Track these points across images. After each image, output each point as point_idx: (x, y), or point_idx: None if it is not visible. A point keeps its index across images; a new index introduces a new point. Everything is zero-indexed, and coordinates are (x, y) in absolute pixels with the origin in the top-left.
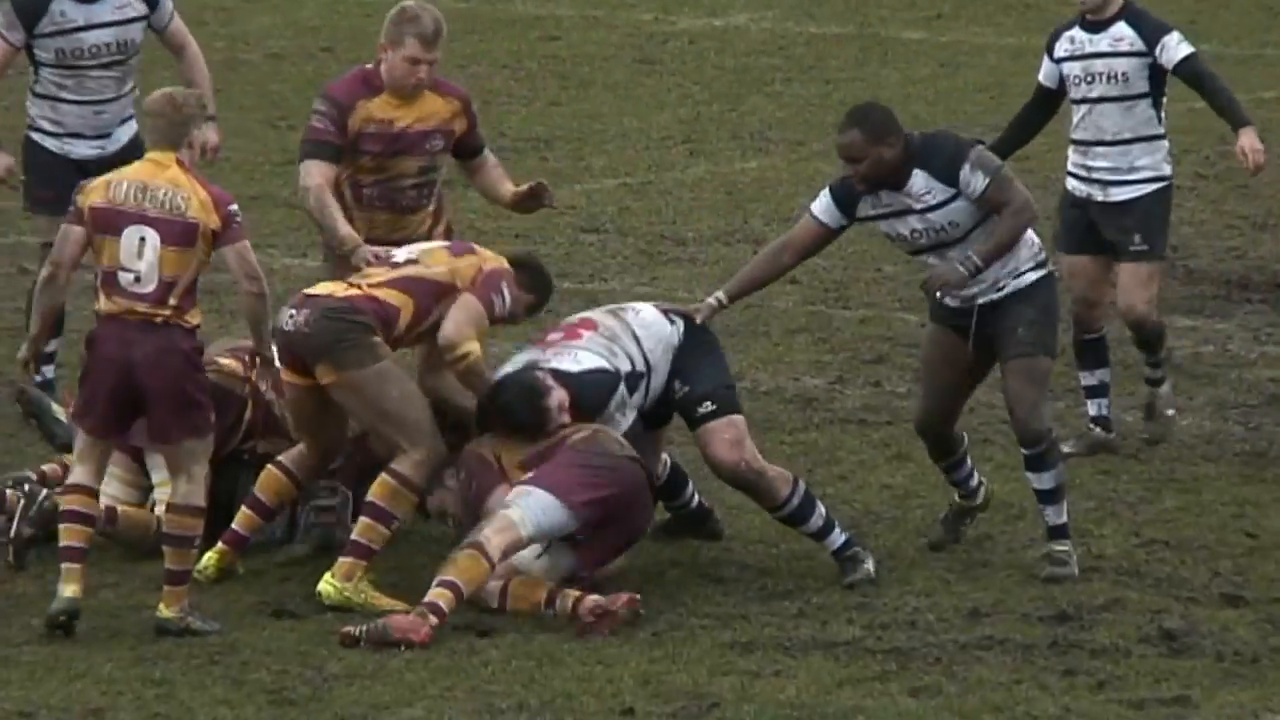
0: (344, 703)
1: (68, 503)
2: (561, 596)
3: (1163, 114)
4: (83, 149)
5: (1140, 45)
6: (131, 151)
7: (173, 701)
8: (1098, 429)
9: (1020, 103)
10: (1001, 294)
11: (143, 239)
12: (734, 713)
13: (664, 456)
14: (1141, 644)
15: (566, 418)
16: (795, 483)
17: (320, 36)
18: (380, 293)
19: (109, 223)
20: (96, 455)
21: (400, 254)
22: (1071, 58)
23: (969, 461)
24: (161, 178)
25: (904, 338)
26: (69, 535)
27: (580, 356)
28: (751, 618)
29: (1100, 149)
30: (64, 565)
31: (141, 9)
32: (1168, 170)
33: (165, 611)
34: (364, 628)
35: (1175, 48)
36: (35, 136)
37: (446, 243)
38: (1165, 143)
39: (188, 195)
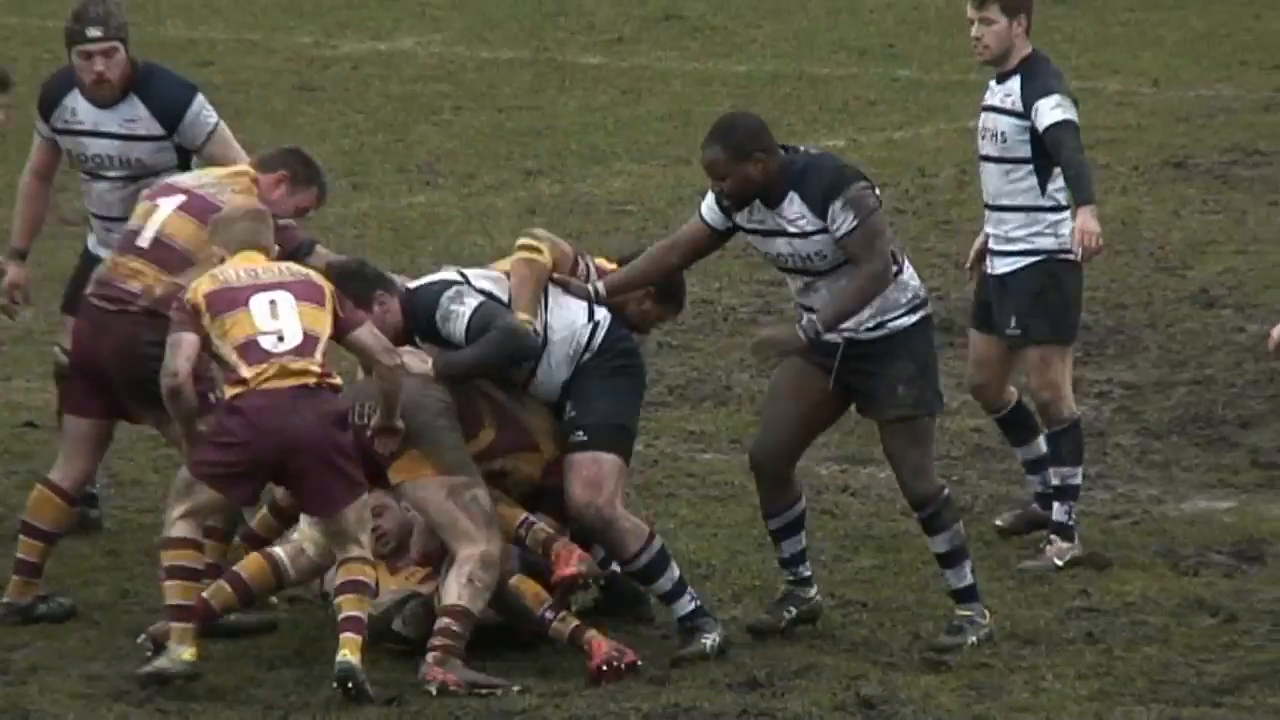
0: None
1: (176, 559)
2: (563, 615)
3: (1050, 185)
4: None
5: (1020, 105)
6: None
7: None
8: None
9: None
10: (874, 335)
11: (273, 301)
12: None
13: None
14: (837, 712)
15: None
16: (649, 540)
17: None
18: None
19: (232, 300)
20: (208, 515)
21: None
22: (982, 108)
23: (803, 539)
24: (263, 263)
25: None
26: (182, 593)
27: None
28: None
29: (987, 212)
30: (176, 625)
31: (155, 129)
32: (1049, 245)
33: (349, 655)
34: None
35: (1048, 112)
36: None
37: None
38: (1051, 216)
39: (301, 270)
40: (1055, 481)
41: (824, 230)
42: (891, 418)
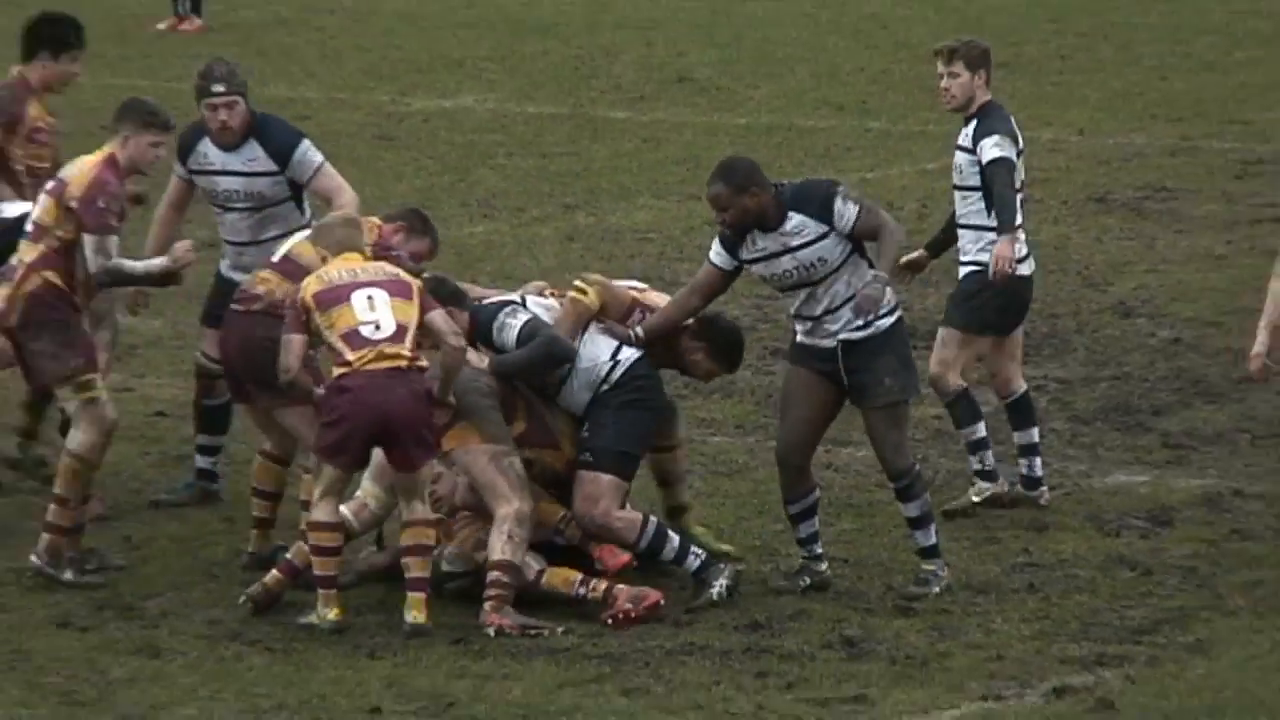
0: (126, 704)
1: (320, 540)
2: (594, 583)
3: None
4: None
5: (971, 144)
6: None
7: None
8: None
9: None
10: (864, 335)
11: (370, 297)
12: (468, 711)
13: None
14: (825, 649)
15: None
16: (644, 525)
17: (98, 116)
18: None
19: (336, 296)
20: (340, 490)
21: None
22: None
23: (816, 522)
24: (360, 264)
25: None
26: (322, 566)
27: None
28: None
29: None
30: (324, 592)
31: (270, 166)
32: (985, 259)
33: (418, 617)
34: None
35: (988, 150)
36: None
37: None
38: (994, 235)
39: (393, 269)
40: (965, 440)
41: (824, 235)
42: (880, 405)
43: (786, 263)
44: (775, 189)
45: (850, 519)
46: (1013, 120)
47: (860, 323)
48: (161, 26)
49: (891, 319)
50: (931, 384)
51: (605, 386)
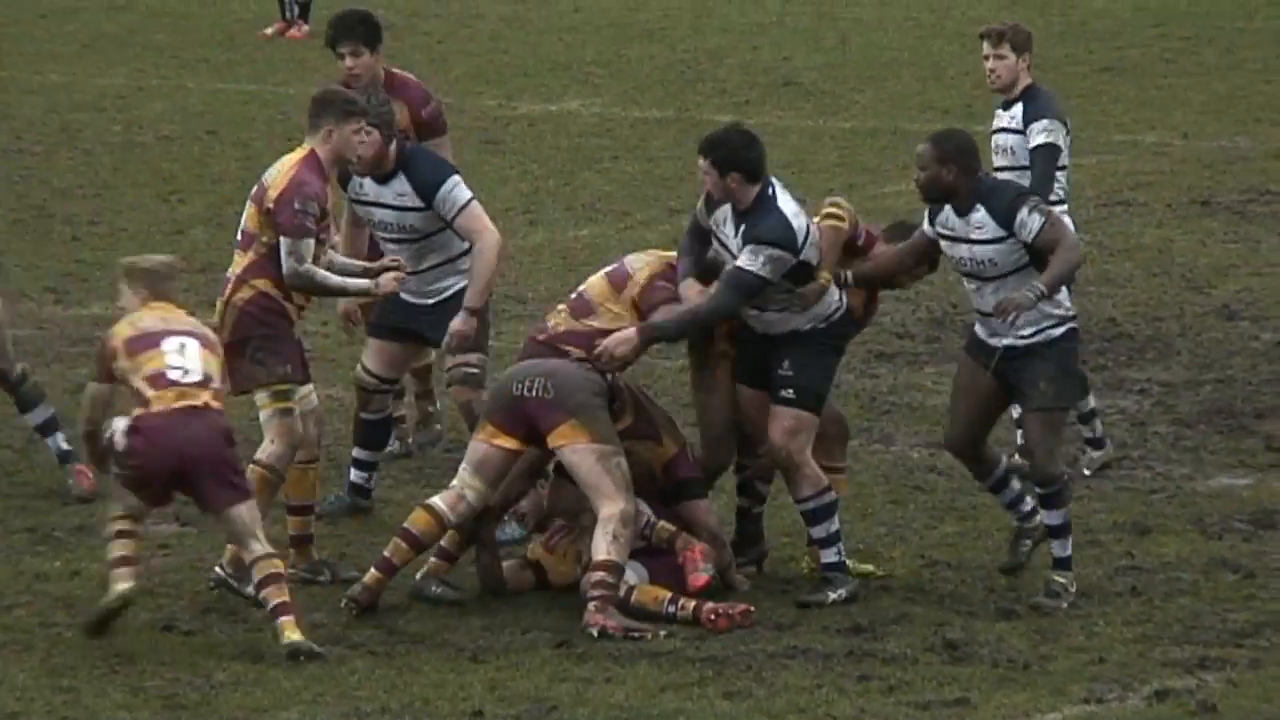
0: (229, 707)
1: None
2: (683, 602)
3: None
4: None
5: (1021, 125)
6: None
7: (79, 706)
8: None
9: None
10: (1027, 342)
11: (183, 345)
12: (571, 715)
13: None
14: (927, 653)
15: None
16: (823, 492)
17: (205, 121)
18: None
19: (147, 342)
20: (140, 517)
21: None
22: (992, 132)
23: (1013, 485)
24: (174, 314)
25: None
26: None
27: None
28: (586, 628)
29: None
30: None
31: (418, 202)
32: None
33: (292, 636)
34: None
35: (1037, 134)
36: None
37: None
38: (1056, 208)
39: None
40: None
41: (1001, 240)
42: (1035, 406)
43: (962, 251)
44: (977, 179)
45: (953, 522)
46: (1057, 102)
47: (1009, 324)
48: (268, 31)
49: (1060, 330)
50: None
51: (822, 324)
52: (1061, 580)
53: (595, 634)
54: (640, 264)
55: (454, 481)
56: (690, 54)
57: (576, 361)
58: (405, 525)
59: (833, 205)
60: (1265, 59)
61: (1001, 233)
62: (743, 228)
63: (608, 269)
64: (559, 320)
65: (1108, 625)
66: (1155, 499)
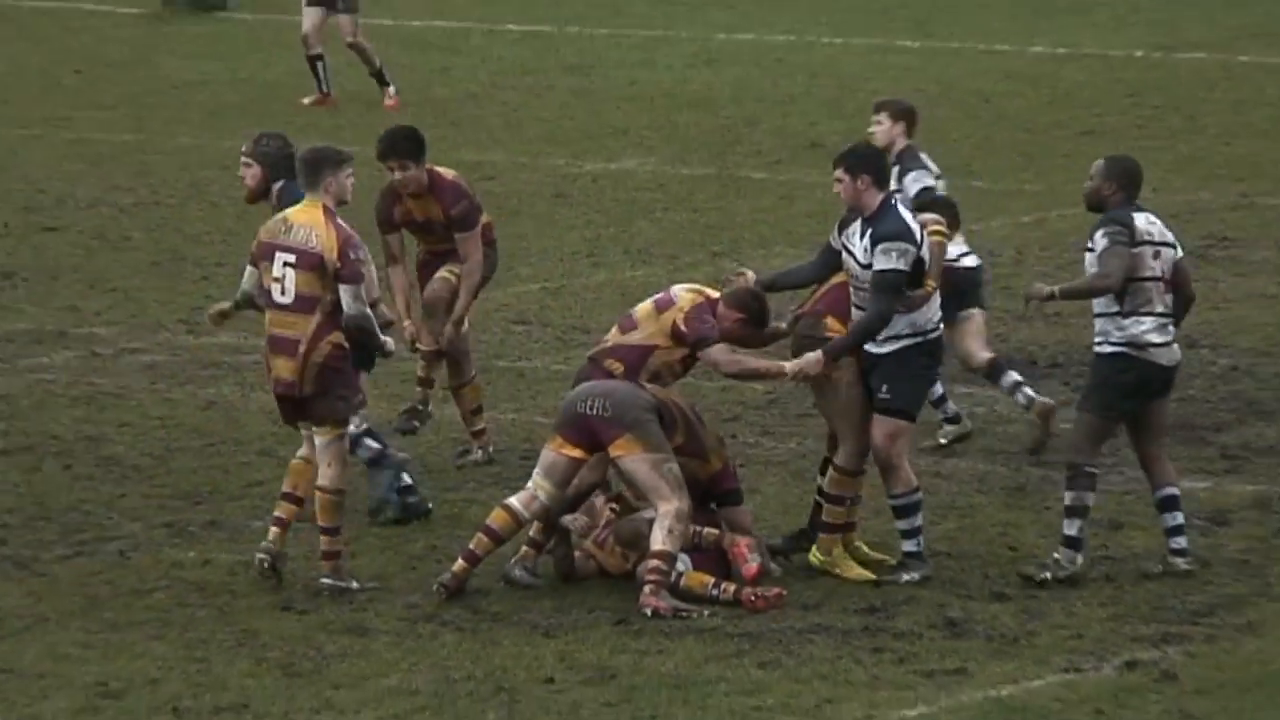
0: (338, 674)
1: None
2: (724, 586)
3: None
4: None
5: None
6: None
7: (210, 675)
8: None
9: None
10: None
11: None
12: (629, 681)
13: None
14: (931, 629)
15: None
16: (912, 491)
17: None
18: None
19: None
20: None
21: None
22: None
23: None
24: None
25: None
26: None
27: None
28: (641, 608)
29: None
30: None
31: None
32: None
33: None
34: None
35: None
36: None
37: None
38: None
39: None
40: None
41: (1090, 249)
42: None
43: (1090, 259)
44: (1128, 203)
45: (954, 519)
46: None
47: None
48: (306, 101)
49: (1108, 349)
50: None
51: (919, 339)
52: (1057, 556)
53: (649, 613)
54: (684, 293)
55: (528, 484)
56: (730, 120)
57: (629, 382)
58: (487, 522)
59: (936, 222)
60: (1223, 124)
61: (1089, 244)
62: (869, 231)
63: (656, 295)
64: (611, 336)
65: (1085, 606)
66: (1127, 499)
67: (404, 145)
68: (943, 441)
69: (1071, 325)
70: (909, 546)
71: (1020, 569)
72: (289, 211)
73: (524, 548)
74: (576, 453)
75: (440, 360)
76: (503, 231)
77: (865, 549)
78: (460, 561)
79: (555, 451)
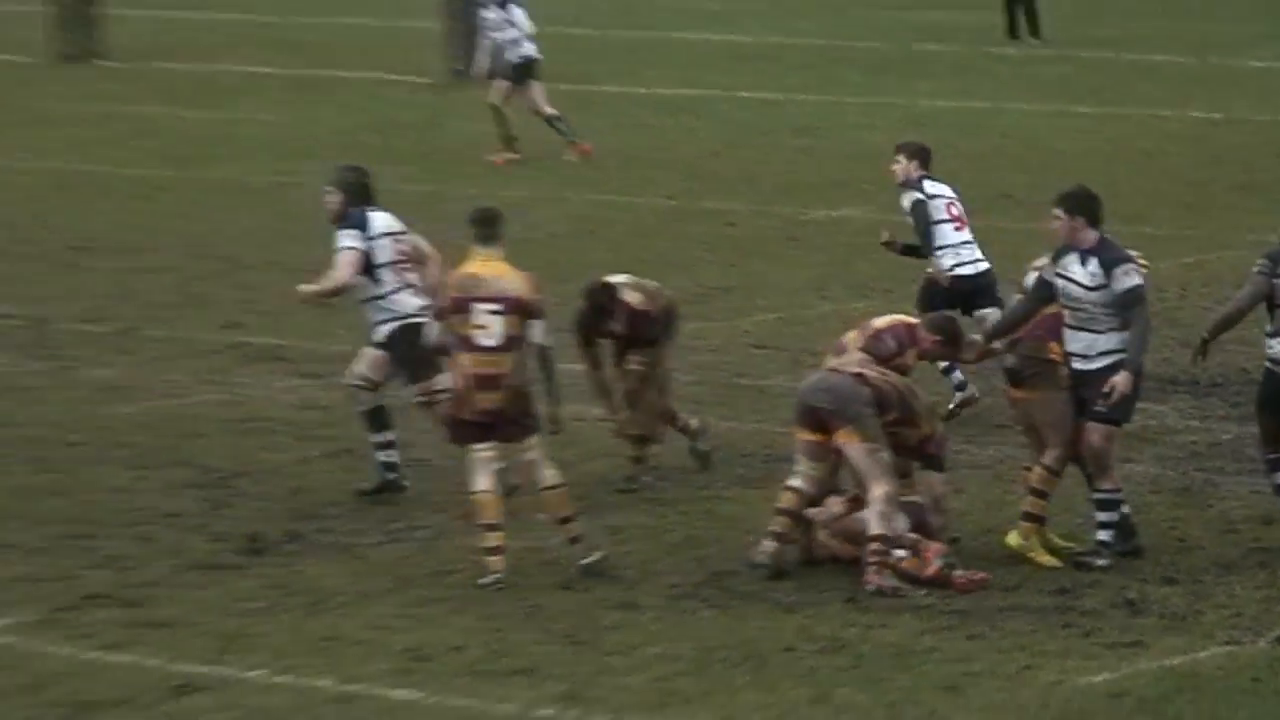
0: (611, 644)
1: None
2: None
3: None
4: None
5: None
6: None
7: (505, 641)
8: None
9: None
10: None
11: None
12: (856, 650)
13: None
14: (1112, 608)
15: None
16: (1116, 490)
17: (585, 223)
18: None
19: None
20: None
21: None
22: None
23: None
24: None
25: None
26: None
27: None
28: (866, 586)
29: None
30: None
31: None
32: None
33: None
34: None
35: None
36: None
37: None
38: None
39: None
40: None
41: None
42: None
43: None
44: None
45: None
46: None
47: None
48: (496, 160)
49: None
50: None
51: (1123, 354)
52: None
53: (873, 591)
54: (882, 319)
55: (796, 468)
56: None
57: (851, 378)
58: (780, 505)
59: (1140, 255)
60: None
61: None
62: (1096, 259)
63: (863, 324)
64: (829, 358)
65: (1243, 589)
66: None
67: (486, 228)
68: (950, 408)
69: (1229, 350)
70: (1104, 536)
71: (1075, 557)
72: (473, 269)
73: (765, 541)
74: (816, 436)
75: (646, 443)
76: (742, 270)
77: (1056, 540)
78: (770, 543)
79: (801, 439)
